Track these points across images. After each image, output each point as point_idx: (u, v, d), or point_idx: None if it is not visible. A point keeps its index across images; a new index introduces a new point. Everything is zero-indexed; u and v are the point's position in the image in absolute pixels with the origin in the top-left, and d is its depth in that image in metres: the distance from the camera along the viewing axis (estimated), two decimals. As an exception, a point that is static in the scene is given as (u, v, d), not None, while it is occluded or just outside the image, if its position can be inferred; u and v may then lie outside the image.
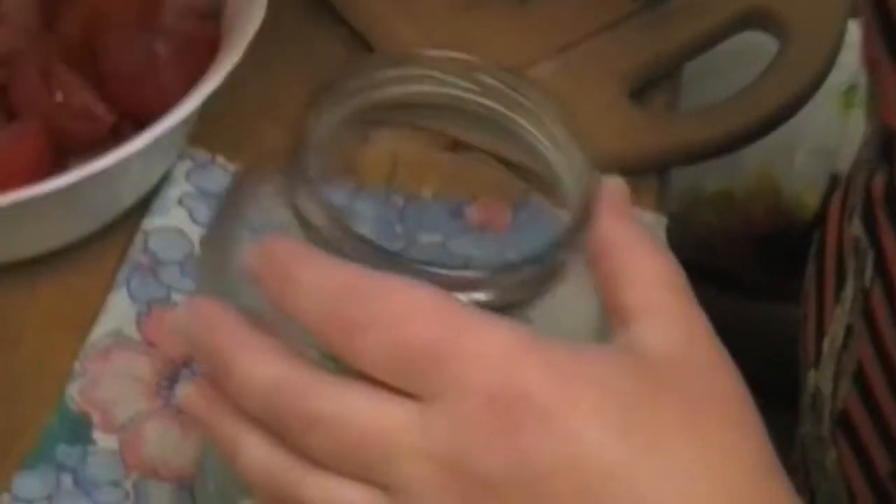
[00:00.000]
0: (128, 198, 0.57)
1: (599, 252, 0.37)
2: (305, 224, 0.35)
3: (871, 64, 0.50)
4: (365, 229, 0.50)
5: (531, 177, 0.40)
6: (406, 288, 0.34)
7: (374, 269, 0.34)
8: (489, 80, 0.39)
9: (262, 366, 0.35)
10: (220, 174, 0.58)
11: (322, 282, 0.34)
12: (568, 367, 0.34)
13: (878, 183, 0.50)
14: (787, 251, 1.07)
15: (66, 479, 0.50)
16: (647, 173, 0.62)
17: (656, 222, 0.60)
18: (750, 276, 1.11)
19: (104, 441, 0.51)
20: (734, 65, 0.69)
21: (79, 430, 0.51)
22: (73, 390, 0.52)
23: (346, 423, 0.34)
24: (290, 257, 0.35)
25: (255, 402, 0.35)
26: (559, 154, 0.38)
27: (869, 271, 0.51)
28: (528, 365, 0.33)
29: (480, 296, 0.35)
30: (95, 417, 0.51)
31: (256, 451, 0.35)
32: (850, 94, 0.97)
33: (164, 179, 0.58)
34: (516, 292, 0.35)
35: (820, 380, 0.57)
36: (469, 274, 0.35)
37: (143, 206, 0.58)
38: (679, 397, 0.35)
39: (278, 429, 0.35)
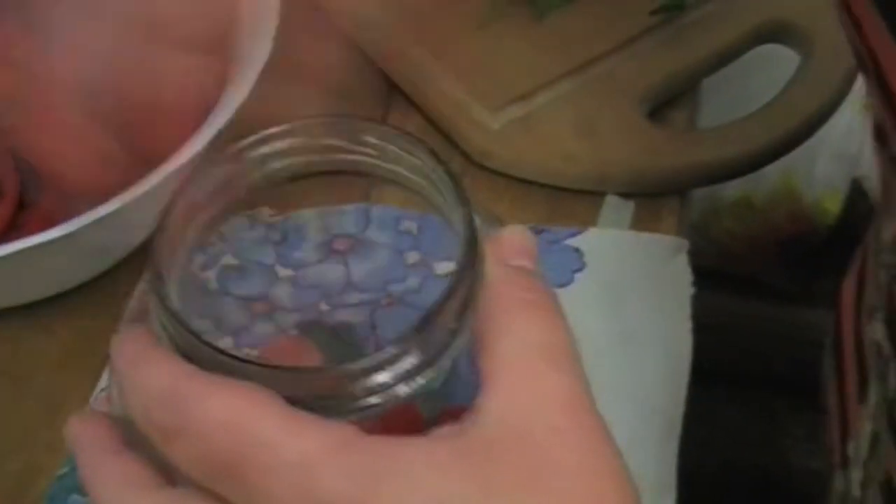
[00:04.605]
0: (140, 234, 0.56)
1: (480, 310, 0.34)
2: (168, 337, 0.35)
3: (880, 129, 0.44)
4: (377, 262, 0.49)
5: None
6: (220, 393, 0.33)
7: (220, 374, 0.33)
8: (377, 142, 0.37)
9: (109, 497, 0.35)
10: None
11: (147, 381, 0.34)
12: (374, 472, 0.31)
13: None
14: (810, 256, 1.06)
15: (81, 530, 0.49)
16: (667, 195, 0.60)
17: (677, 247, 0.58)
18: (774, 281, 1.09)
19: (119, 489, 0.50)
20: (754, 77, 0.68)
21: (93, 477, 0.50)
22: (87, 436, 0.51)
23: None
24: (132, 353, 0.35)
25: None
26: (451, 209, 0.36)
27: (892, 380, 0.47)
28: (325, 475, 0.31)
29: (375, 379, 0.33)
30: (109, 465, 0.50)
31: None
32: (872, 98, 0.95)
33: (176, 212, 0.57)
34: (406, 367, 0.33)
35: (848, 484, 0.54)
36: (321, 375, 0.34)
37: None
38: (512, 487, 0.31)
39: None
